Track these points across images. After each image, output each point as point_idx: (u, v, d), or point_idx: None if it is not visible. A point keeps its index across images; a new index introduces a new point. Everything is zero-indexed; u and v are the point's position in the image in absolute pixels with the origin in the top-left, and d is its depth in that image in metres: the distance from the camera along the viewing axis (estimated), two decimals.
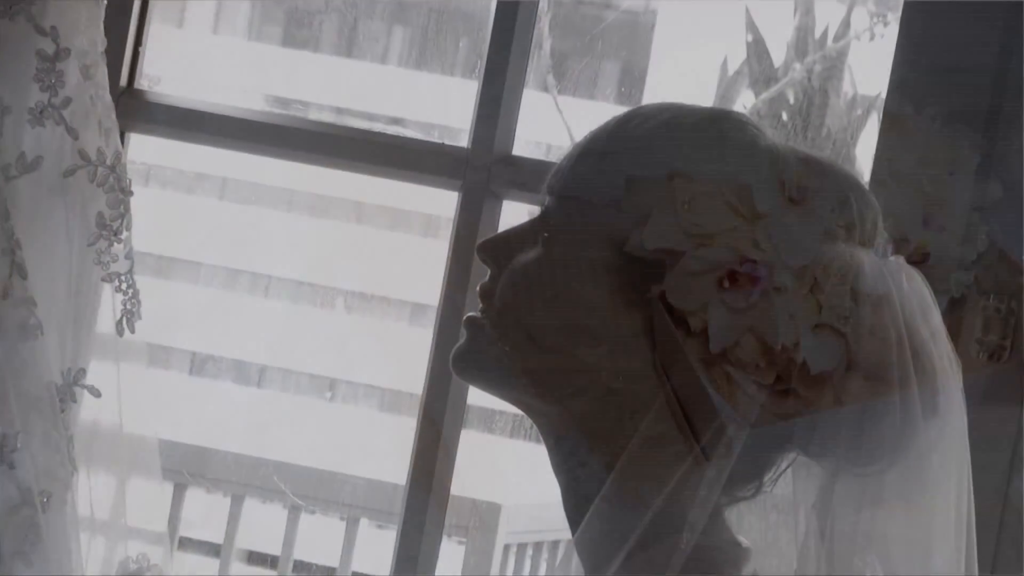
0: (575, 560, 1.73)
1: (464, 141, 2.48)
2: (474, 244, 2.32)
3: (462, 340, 1.75)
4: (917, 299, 1.65)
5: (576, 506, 1.73)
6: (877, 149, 2.33)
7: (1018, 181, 2.22)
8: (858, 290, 1.65)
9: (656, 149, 1.75)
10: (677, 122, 1.74)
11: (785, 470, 1.72)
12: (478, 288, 1.78)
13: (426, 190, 2.48)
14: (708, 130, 1.74)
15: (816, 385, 1.66)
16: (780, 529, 1.75)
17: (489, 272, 1.76)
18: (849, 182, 1.71)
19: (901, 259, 1.69)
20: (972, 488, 1.69)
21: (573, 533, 1.73)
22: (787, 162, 1.70)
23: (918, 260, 2.05)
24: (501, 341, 1.76)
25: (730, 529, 1.71)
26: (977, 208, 2.22)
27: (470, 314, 1.76)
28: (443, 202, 2.43)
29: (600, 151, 1.76)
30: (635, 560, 1.68)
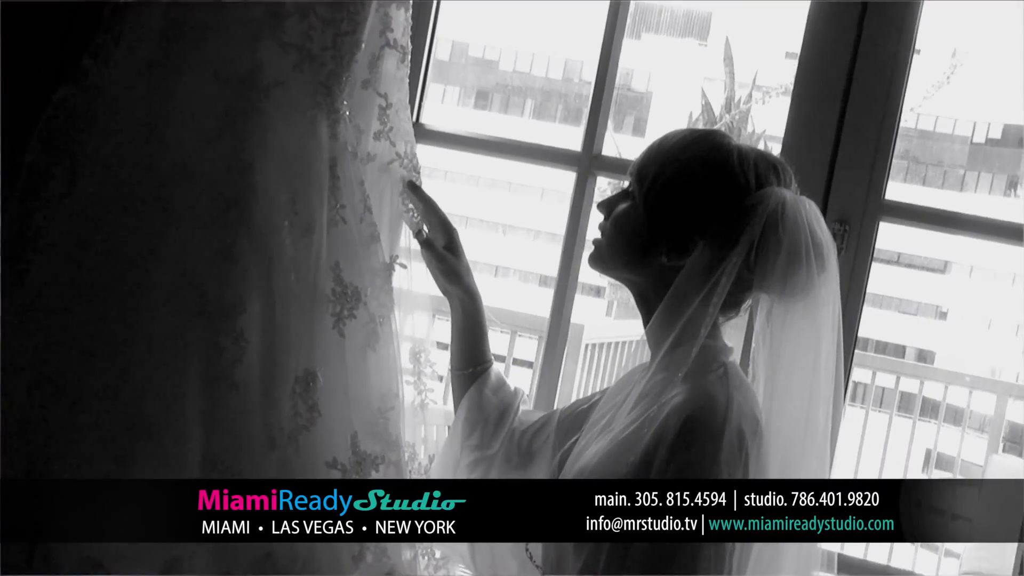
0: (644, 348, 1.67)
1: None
2: (582, 205, 2.23)
3: (591, 250, 1.75)
4: (814, 215, 1.67)
5: (647, 321, 1.72)
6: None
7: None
8: (785, 210, 1.59)
9: (678, 152, 1.69)
10: (691, 137, 1.71)
11: (752, 302, 1.63)
12: (599, 224, 1.77)
13: (557, 172, 2.37)
14: (705, 139, 1.71)
15: (766, 259, 1.62)
16: (739, 337, 1.66)
17: (603, 216, 1.75)
18: (777, 160, 1.63)
19: (805, 197, 1.67)
20: (841, 311, 1.60)
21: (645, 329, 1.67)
22: (747, 152, 1.62)
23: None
24: (609, 248, 1.72)
25: (721, 336, 1.69)
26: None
27: (595, 237, 1.76)
28: (566, 180, 2.32)
29: (651, 154, 1.71)
30: (673, 352, 1.64)
